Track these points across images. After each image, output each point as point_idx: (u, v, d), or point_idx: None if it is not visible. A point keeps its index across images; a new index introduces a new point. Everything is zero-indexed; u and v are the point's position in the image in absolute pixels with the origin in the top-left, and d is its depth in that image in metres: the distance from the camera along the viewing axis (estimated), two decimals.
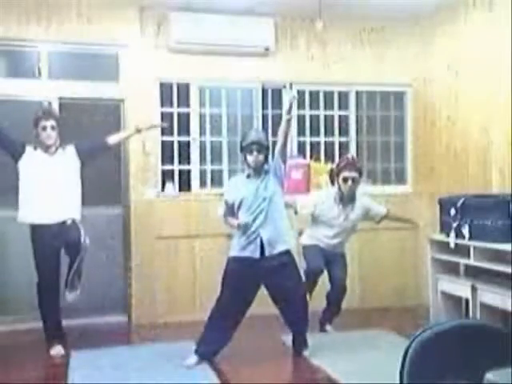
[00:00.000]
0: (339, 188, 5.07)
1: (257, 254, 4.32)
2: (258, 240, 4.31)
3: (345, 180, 5.01)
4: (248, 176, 4.44)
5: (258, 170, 4.40)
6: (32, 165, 4.68)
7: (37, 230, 4.64)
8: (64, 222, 4.61)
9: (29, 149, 4.72)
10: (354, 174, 5.02)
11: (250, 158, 4.38)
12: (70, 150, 4.80)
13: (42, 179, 4.65)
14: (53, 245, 4.61)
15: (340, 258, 5.16)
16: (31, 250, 4.64)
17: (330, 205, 5.10)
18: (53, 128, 4.68)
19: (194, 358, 4.35)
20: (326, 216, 5.09)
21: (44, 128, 4.67)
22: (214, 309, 4.42)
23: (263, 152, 4.39)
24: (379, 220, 5.26)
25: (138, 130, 4.98)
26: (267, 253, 4.32)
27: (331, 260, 5.10)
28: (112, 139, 4.94)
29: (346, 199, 5.06)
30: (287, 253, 4.41)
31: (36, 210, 4.64)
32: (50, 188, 4.64)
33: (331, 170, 5.31)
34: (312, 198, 5.29)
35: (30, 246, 4.64)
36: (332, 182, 5.27)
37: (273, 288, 4.44)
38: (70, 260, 4.65)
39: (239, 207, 4.38)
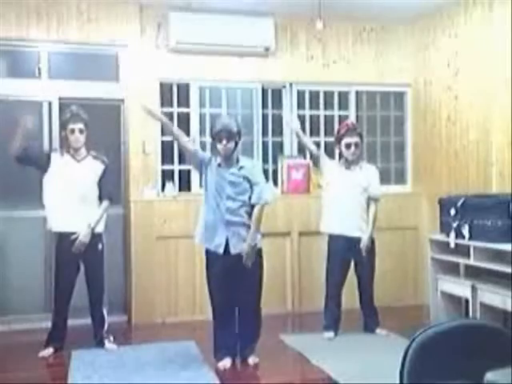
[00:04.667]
0: (342, 155, 5.10)
1: (221, 250, 4.25)
2: (224, 237, 4.24)
3: (347, 146, 5.02)
4: (219, 165, 4.30)
5: (229, 159, 4.27)
6: (59, 172, 4.66)
7: (62, 238, 4.67)
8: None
9: (55, 157, 4.70)
10: (356, 139, 5.03)
11: (219, 146, 4.23)
12: (100, 166, 4.76)
13: (70, 186, 4.65)
14: (74, 253, 4.65)
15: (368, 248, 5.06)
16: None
17: (337, 170, 5.12)
18: (81, 131, 4.67)
19: (226, 361, 4.34)
20: (335, 182, 5.06)
21: (72, 131, 4.65)
22: (212, 309, 4.41)
23: (233, 139, 4.22)
24: (369, 199, 5.11)
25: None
26: (232, 250, 4.24)
27: (357, 252, 5.02)
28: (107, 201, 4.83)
29: (351, 164, 5.07)
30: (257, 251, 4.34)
31: (63, 219, 4.64)
32: (77, 195, 4.64)
33: (334, 136, 5.32)
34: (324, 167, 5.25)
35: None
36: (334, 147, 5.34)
37: (235, 285, 4.32)
38: (89, 274, 4.75)
39: (205, 188, 4.33)
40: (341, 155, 5.19)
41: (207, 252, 4.37)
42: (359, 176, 5.07)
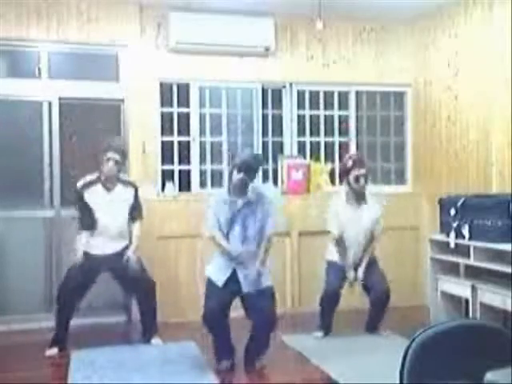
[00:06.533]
0: (350, 187, 5.05)
1: (234, 289, 4.24)
2: (234, 277, 4.23)
3: (357, 179, 5.00)
4: (225, 202, 4.30)
5: (240, 191, 4.27)
6: (93, 203, 4.79)
7: (91, 256, 4.79)
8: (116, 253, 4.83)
9: (87, 191, 4.79)
10: (364, 171, 5.03)
11: (235, 176, 4.24)
12: (130, 191, 4.91)
13: (101, 218, 4.79)
14: (97, 268, 4.80)
15: (371, 264, 5.09)
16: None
17: (345, 207, 5.08)
18: (116, 162, 4.76)
19: (226, 363, 4.34)
20: (344, 221, 5.04)
21: (108, 159, 4.74)
22: (204, 325, 4.38)
23: (250, 175, 4.26)
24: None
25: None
26: (245, 290, 4.23)
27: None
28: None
29: (359, 197, 5.06)
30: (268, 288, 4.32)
31: (93, 247, 4.79)
32: (107, 227, 4.80)
33: (339, 169, 5.28)
34: (331, 218, 5.13)
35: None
36: (338, 182, 5.29)
37: (249, 311, 4.34)
38: (129, 281, 4.89)
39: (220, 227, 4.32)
40: (347, 184, 5.11)
41: (213, 283, 4.32)
42: (366, 216, 5.06)
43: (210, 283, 4.35)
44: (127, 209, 4.90)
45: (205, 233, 4.46)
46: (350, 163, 5.05)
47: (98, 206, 4.80)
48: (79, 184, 4.84)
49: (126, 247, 4.90)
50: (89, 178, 4.84)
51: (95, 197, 4.81)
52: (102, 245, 4.80)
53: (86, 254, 4.79)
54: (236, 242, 4.28)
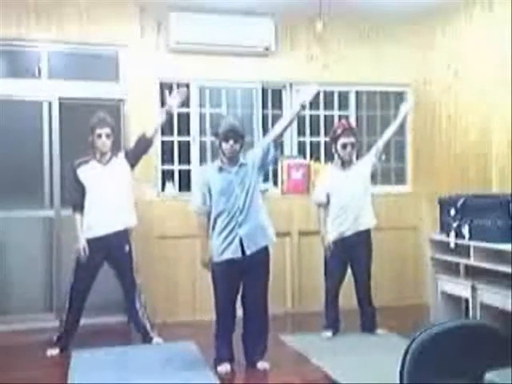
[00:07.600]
0: (338, 154, 5.10)
1: (238, 254, 4.17)
2: (237, 239, 4.16)
3: (344, 146, 5.03)
4: (220, 169, 4.24)
5: (233, 160, 4.21)
6: (88, 178, 4.73)
7: (88, 242, 4.71)
8: (115, 233, 4.76)
9: (81, 168, 4.75)
10: (353, 140, 5.05)
11: (225, 146, 4.17)
12: (121, 156, 4.87)
13: (98, 192, 4.72)
14: (98, 255, 4.74)
15: (361, 247, 5.07)
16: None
17: (334, 175, 5.13)
18: (108, 136, 4.75)
19: (224, 367, 4.30)
20: (335, 189, 5.05)
21: (99, 136, 4.73)
22: (216, 318, 4.35)
23: (239, 140, 4.19)
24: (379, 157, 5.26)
25: (169, 112, 4.92)
26: (248, 251, 4.17)
27: (353, 252, 5.06)
28: (149, 132, 4.91)
29: (347, 164, 5.09)
30: (266, 250, 4.28)
31: (93, 225, 4.71)
32: (106, 200, 4.72)
33: (329, 136, 5.31)
34: (319, 184, 5.26)
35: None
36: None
37: (245, 288, 4.30)
38: (119, 274, 4.88)
39: (210, 203, 4.26)
40: (336, 153, 5.18)
41: (217, 264, 4.26)
42: (357, 173, 5.08)
43: (214, 270, 4.28)
44: (126, 183, 4.84)
45: (191, 207, 4.43)
46: (339, 131, 5.08)
47: (93, 181, 4.72)
48: (74, 163, 4.80)
49: (127, 230, 4.85)
50: (84, 158, 4.80)
51: (89, 172, 4.74)
52: (100, 223, 4.70)
53: (86, 240, 4.71)
54: (237, 203, 4.17)
